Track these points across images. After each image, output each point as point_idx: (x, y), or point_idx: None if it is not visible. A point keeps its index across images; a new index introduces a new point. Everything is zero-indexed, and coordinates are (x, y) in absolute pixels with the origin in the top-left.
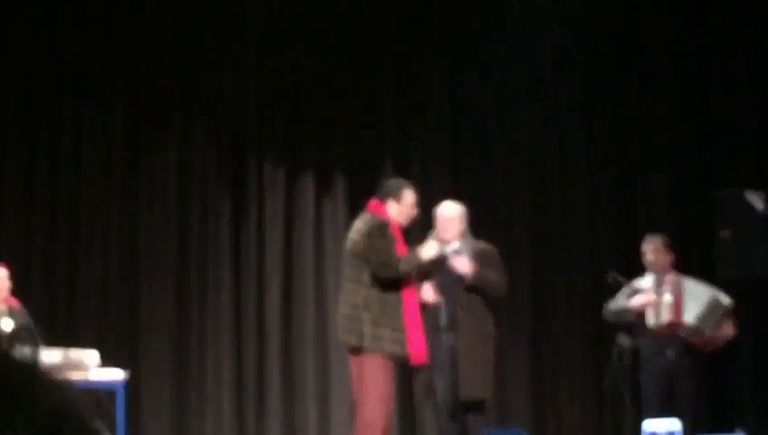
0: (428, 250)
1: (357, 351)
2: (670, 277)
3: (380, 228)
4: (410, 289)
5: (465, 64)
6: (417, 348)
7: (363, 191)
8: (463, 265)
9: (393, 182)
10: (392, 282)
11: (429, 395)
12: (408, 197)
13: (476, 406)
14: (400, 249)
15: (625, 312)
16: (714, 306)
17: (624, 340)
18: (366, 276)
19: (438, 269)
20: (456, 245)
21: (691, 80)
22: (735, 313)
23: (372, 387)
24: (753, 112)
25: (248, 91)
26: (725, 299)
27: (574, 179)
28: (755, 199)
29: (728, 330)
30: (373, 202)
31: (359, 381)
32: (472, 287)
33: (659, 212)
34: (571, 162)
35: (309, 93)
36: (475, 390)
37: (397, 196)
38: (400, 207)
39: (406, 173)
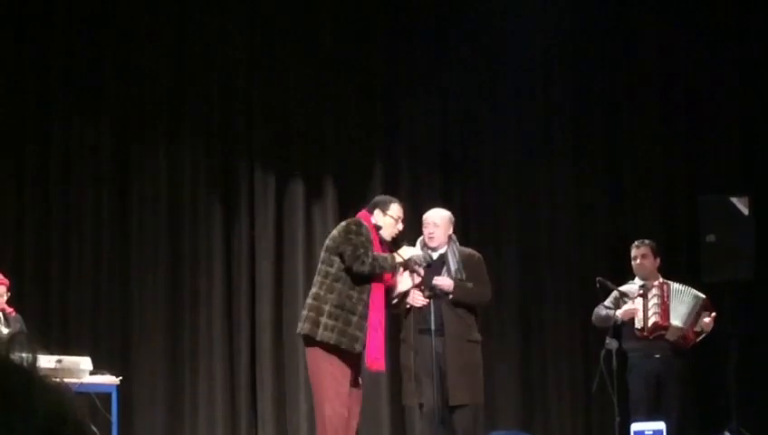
0: (405, 252)
1: (307, 341)
2: (657, 282)
3: (357, 225)
4: (378, 291)
5: (455, 69)
6: (374, 351)
7: (353, 197)
8: (444, 281)
9: (382, 197)
10: (362, 279)
11: (417, 400)
12: (395, 210)
13: (464, 409)
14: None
15: (611, 319)
16: (694, 305)
17: (612, 343)
18: (334, 270)
19: (424, 277)
20: (442, 250)
21: (679, 85)
22: (715, 309)
23: (321, 382)
24: (738, 119)
25: (238, 97)
26: (701, 294)
27: (563, 185)
28: (741, 204)
29: (706, 325)
30: (361, 213)
31: (311, 376)
32: (455, 300)
33: (646, 217)
34: (560, 168)
35: (298, 99)
36: (462, 395)
37: (384, 207)
38: (386, 218)
39: (395, 179)
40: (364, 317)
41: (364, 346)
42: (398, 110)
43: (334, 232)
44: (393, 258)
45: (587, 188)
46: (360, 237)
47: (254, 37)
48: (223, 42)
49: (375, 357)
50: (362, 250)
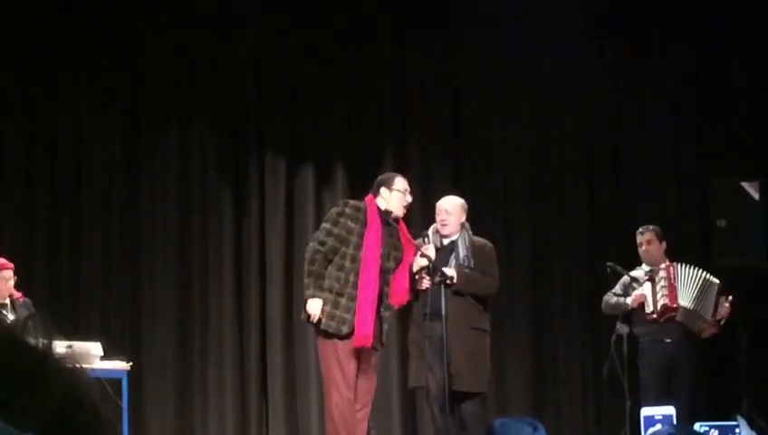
0: (314, 306)
1: (315, 327)
2: (664, 265)
3: (337, 211)
4: (371, 269)
5: (465, 55)
6: (361, 328)
7: (363, 182)
8: (448, 273)
9: (384, 175)
10: (352, 259)
11: (423, 386)
12: (400, 183)
13: (471, 396)
14: (373, 236)
15: (622, 306)
16: (706, 288)
17: (623, 328)
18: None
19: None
20: (454, 237)
21: (690, 69)
22: (729, 294)
23: (327, 367)
24: (749, 102)
25: (248, 83)
26: (715, 279)
27: (573, 170)
28: (751, 189)
29: (725, 310)
30: (368, 196)
31: (320, 361)
32: (457, 291)
33: (657, 201)
34: (570, 152)
35: (308, 84)
36: (465, 382)
37: (388, 183)
38: (393, 194)
39: (405, 164)
40: (353, 298)
41: (353, 328)
42: (408, 95)
43: None
44: (314, 294)
45: (597, 173)
46: (325, 224)
47: (265, 22)
48: (234, 27)
49: (361, 334)
50: (319, 234)
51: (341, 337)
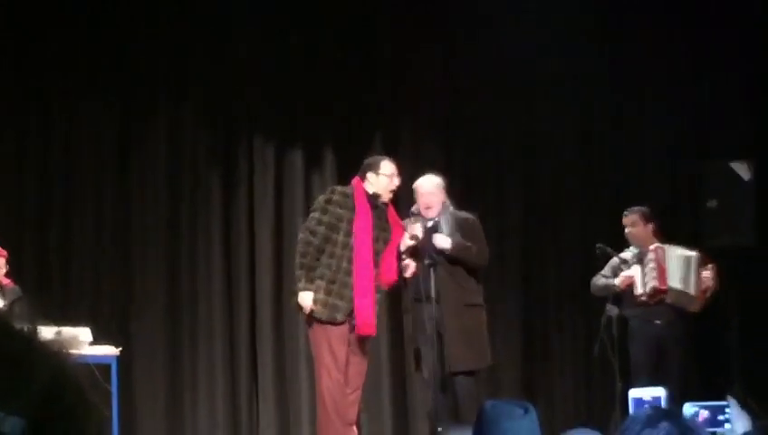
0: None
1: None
2: (652, 247)
3: (325, 199)
4: (364, 257)
5: (456, 36)
6: (362, 317)
7: (352, 166)
8: (442, 240)
9: (371, 158)
10: (343, 247)
11: (417, 367)
12: (387, 167)
13: (465, 374)
14: (362, 221)
15: (610, 288)
16: (689, 264)
17: (613, 309)
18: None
19: (420, 245)
20: (435, 217)
21: (682, 50)
22: (714, 265)
23: (318, 353)
24: (739, 84)
25: (237, 66)
26: (692, 252)
27: (565, 151)
28: (742, 169)
29: (708, 280)
30: (354, 179)
31: (311, 347)
32: (453, 260)
33: (647, 183)
34: (562, 134)
35: (298, 68)
36: (462, 361)
37: (374, 168)
38: (380, 178)
39: (395, 147)
40: (346, 285)
41: (348, 315)
42: (397, 77)
43: None
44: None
45: (589, 155)
46: (314, 213)
47: (254, 6)
48: (223, 12)
49: (363, 322)
50: (308, 224)
51: (336, 323)
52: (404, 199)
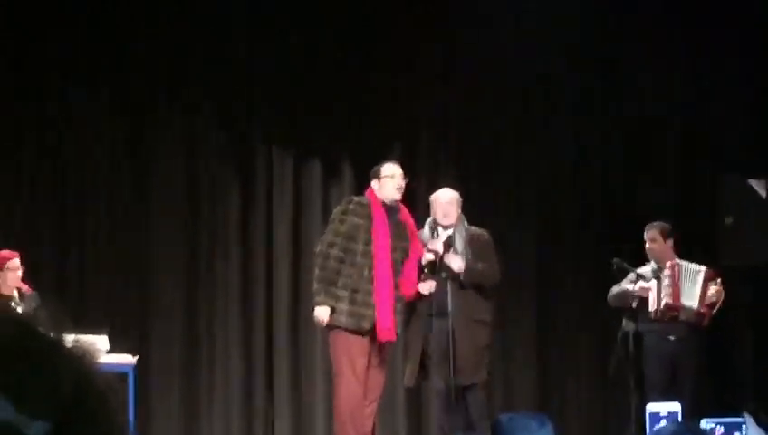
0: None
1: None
2: (669, 263)
3: (342, 210)
4: (384, 266)
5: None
6: (383, 322)
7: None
8: (455, 262)
9: (375, 167)
10: (363, 256)
11: (428, 379)
12: (386, 169)
13: (476, 389)
14: (380, 229)
15: (626, 295)
16: (694, 278)
17: (628, 324)
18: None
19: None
20: (450, 231)
21: (699, 64)
22: (722, 280)
23: (338, 363)
24: (758, 99)
25: (255, 79)
26: (700, 267)
27: (583, 166)
28: (759, 186)
29: (716, 294)
30: (368, 190)
31: (331, 356)
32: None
33: (665, 198)
34: (582, 147)
35: (316, 80)
36: (469, 375)
37: (376, 174)
38: (382, 181)
39: (413, 160)
40: (369, 293)
41: (373, 324)
42: (416, 90)
43: None
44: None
45: (606, 168)
46: (332, 224)
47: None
48: (242, 22)
49: (384, 327)
50: (326, 236)
51: (362, 333)
52: (422, 213)
